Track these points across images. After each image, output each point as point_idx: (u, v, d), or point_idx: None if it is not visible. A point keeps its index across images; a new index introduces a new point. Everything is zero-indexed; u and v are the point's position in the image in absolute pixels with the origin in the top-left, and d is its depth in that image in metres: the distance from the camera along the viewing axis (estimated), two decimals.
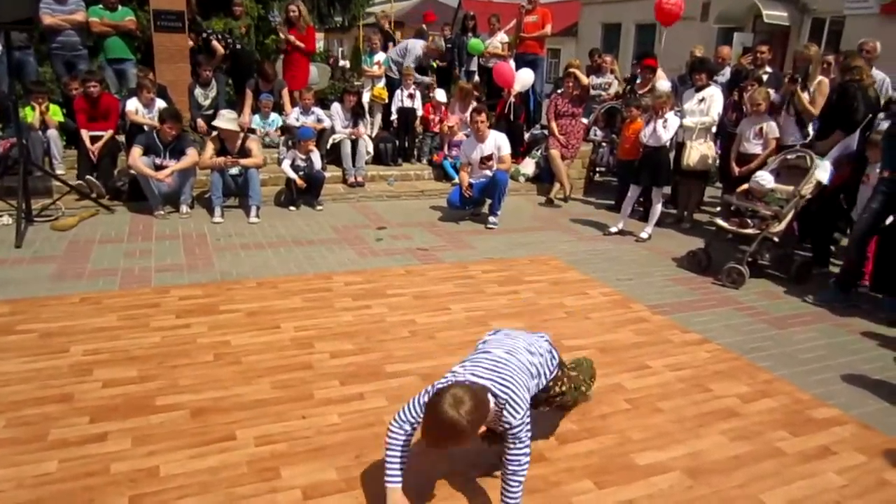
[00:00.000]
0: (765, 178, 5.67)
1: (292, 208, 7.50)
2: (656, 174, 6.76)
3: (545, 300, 4.91)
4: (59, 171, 7.20)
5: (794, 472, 2.90)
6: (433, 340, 4.11)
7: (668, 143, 6.83)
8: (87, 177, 6.98)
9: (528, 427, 2.39)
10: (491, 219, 7.19)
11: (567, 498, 2.64)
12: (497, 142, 7.20)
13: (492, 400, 2.34)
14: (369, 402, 3.34)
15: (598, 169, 9.74)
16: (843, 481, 2.85)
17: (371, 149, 8.73)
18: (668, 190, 7.56)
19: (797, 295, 5.30)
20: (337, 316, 4.42)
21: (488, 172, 7.17)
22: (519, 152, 9.17)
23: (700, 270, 5.82)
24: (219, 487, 2.63)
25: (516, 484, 2.38)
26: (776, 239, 5.60)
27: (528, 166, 9.16)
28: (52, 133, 7.25)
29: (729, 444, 3.09)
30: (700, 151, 7.16)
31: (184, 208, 6.96)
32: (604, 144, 9.38)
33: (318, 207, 7.57)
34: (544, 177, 9.02)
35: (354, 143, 8.34)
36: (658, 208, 6.88)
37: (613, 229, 7.08)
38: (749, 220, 5.67)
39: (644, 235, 6.86)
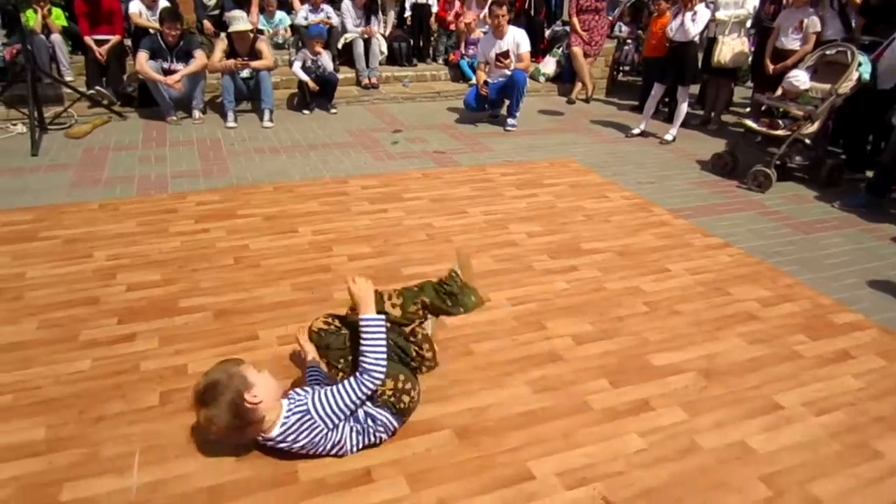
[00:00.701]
0: (799, 79, 5.42)
1: (306, 112, 7.38)
2: (682, 71, 6.50)
3: (564, 203, 4.86)
4: (67, 78, 7.07)
5: (810, 375, 2.91)
6: (451, 244, 4.10)
7: (696, 39, 6.52)
8: (97, 87, 6.88)
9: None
10: (509, 121, 7.04)
11: (581, 396, 2.68)
12: (516, 38, 6.92)
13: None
14: None
15: (622, 67, 9.43)
16: (860, 384, 2.86)
17: (385, 49, 8.46)
18: (695, 89, 7.30)
19: (826, 200, 5.18)
20: (354, 220, 4.41)
21: (507, 72, 6.94)
22: (539, 50, 8.87)
23: (725, 173, 5.69)
24: None
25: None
26: (808, 141, 5.42)
27: (549, 65, 8.87)
28: (56, 38, 7.07)
29: (746, 347, 3.10)
30: (732, 47, 6.83)
31: (196, 114, 6.86)
32: (629, 41, 9.01)
33: (332, 111, 7.44)
34: (565, 76, 8.76)
35: (367, 43, 8.08)
36: (683, 108, 6.67)
37: (636, 131, 6.91)
38: (780, 121, 5.48)
39: (668, 137, 6.68)
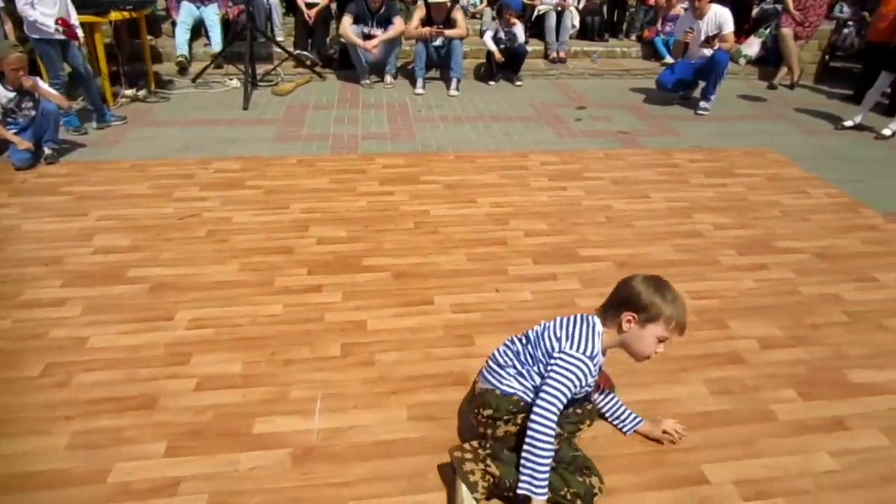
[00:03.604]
0: None
1: (491, 83, 7.42)
2: None
3: (758, 196, 4.51)
4: (279, 38, 7.65)
5: None
6: (630, 228, 3.96)
7: None
8: (303, 52, 7.39)
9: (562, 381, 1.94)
10: (702, 104, 6.62)
11: (765, 404, 2.50)
12: (718, 18, 6.45)
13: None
14: (562, 283, 3.34)
15: (837, 52, 8.49)
16: None
17: (577, 22, 8.27)
18: None
19: None
20: (532, 195, 4.40)
21: (706, 52, 6.50)
22: (743, 30, 8.20)
23: None
24: (417, 346, 2.80)
25: (527, 452, 1.91)
26: None
27: (753, 46, 8.13)
28: (274, 0, 7.64)
29: None
30: None
31: (388, 78, 7.15)
32: (850, 23, 8.09)
33: (517, 83, 7.41)
34: (770, 59, 8.06)
35: (560, 16, 7.93)
36: None
37: (849, 123, 6.22)
38: None
39: (887, 132, 5.95)
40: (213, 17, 7.08)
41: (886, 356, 2.83)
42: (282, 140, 5.37)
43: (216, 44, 7.10)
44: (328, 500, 2.04)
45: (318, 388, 2.52)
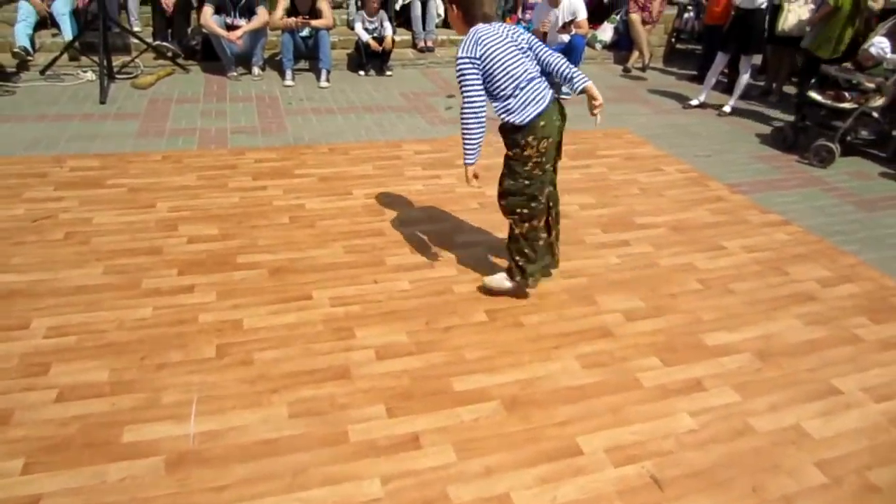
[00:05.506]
0: (885, 44, 5.16)
1: (361, 73, 7.37)
2: (747, 40, 6.25)
3: (618, 175, 4.78)
4: (135, 29, 7.21)
5: (870, 360, 2.85)
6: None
7: (763, 5, 6.23)
8: (161, 42, 7.01)
9: (467, 80, 2.86)
10: (564, 88, 6.87)
11: (632, 373, 2.68)
12: (572, 6, 6.73)
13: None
14: (439, 270, 3.39)
15: (681, 35, 9.13)
16: None
17: (442, 10, 8.33)
18: (757, 60, 7.03)
19: (892, 176, 5.02)
20: (407, 185, 4.43)
21: (564, 38, 6.78)
22: (595, 17, 8.63)
23: (786, 148, 5.51)
24: (297, 342, 2.77)
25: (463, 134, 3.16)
26: (875, 115, 5.19)
27: (606, 32, 8.63)
28: None
29: (803, 329, 3.04)
30: (798, 15, 6.53)
31: (255, 70, 6.93)
32: (690, 8, 8.73)
33: (388, 73, 7.41)
34: (623, 44, 8.54)
35: (424, 5, 7.99)
36: (745, 79, 6.44)
37: (694, 102, 6.72)
38: (846, 94, 5.26)
39: (727, 109, 6.49)
40: (62, 8, 6.60)
41: (734, 318, 3.10)
42: (144, 136, 5.09)
43: (66, 34, 6.60)
44: None
45: (194, 391, 2.44)
